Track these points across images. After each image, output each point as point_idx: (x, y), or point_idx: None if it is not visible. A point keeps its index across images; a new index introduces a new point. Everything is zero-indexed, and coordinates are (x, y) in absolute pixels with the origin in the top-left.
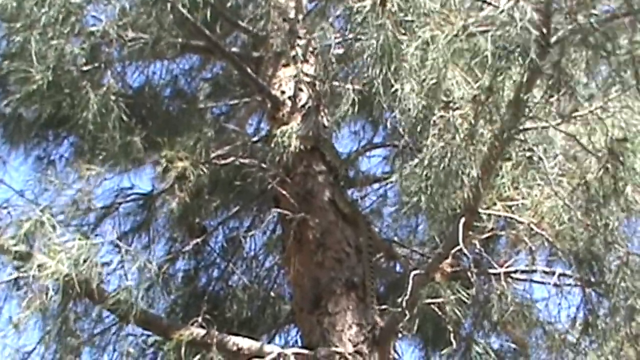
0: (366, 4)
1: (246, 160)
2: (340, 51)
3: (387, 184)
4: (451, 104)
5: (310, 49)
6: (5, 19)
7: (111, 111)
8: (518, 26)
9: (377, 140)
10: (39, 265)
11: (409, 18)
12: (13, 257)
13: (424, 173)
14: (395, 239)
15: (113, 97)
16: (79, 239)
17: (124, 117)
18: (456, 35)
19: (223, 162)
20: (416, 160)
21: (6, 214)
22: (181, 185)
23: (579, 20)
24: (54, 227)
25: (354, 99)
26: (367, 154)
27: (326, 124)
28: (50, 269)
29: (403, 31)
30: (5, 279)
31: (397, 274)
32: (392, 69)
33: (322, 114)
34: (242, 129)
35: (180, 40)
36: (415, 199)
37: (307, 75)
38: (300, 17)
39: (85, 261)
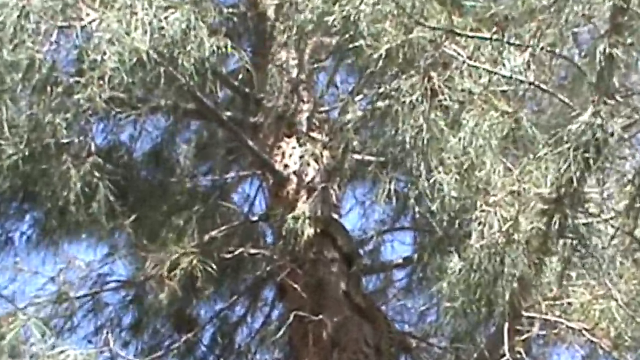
0: (413, 97)
1: (252, 250)
2: (352, 115)
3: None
4: (492, 195)
5: (317, 113)
6: None
7: (96, 190)
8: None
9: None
10: None
11: (449, 101)
12: None
13: (469, 276)
14: (406, 327)
15: (97, 174)
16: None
17: (110, 197)
18: (503, 124)
19: (227, 254)
20: (460, 263)
21: None
22: (170, 272)
23: None
24: (43, 334)
25: (388, 190)
26: (385, 236)
27: (336, 202)
28: None
29: (441, 114)
30: None
31: None
32: (435, 160)
33: (332, 190)
34: (228, 199)
35: (168, 102)
36: (457, 303)
37: (314, 140)
38: (303, 76)
39: None
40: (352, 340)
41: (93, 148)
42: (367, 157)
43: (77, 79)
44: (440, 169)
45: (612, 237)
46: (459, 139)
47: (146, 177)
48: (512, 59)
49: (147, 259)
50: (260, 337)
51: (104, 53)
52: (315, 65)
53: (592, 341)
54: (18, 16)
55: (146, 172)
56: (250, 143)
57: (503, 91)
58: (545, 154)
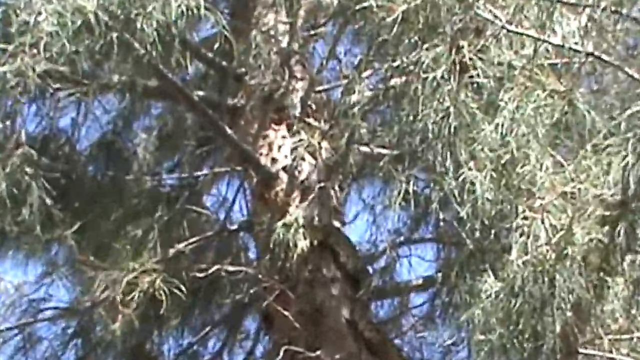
0: (438, 72)
1: (230, 268)
2: (359, 96)
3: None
4: (539, 198)
5: (314, 93)
6: None
7: (27, 191)
8: None
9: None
10: None
11: (483, 78)
12: None
13: (509, 302)
14: None
15: (30, 170)
16: None
17: (46, 200)
18: (553, 106)
19: (198, 273)
20: (497, 285)
21: None
22: (126, 296)
23: None
24: None
25: (405, 191)
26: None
27: (338, 206)
28: None
29: (473, 94)
30: None
31: None
32: (465, 153)
33: (333, 192)
34: (200, 203)
35: (123, 78)
36: (493, 336)
37: (309, 128)
38: (296, 45)
39: None
40: None
41: (24, 137)
42: (378, 150)
43: (2, 46)
44: (472, 164)
45: None
46: (496, 126)
47: (94, 175)
48: (565, 22)
49: (96, 280)
50: None
51: (39, 13)
52: (312, 32)
53: None
54: None
55: (94, 168)
56: (229, 131)
57: (553, 65)
58: (608, 145)
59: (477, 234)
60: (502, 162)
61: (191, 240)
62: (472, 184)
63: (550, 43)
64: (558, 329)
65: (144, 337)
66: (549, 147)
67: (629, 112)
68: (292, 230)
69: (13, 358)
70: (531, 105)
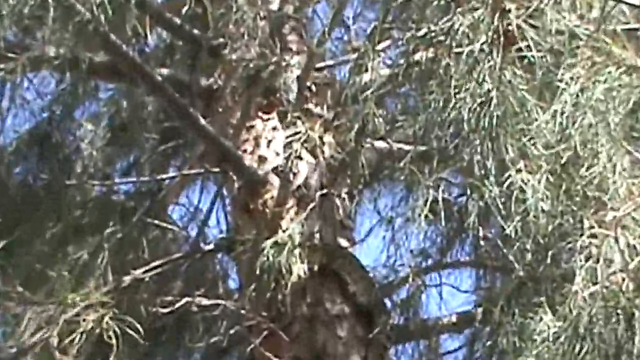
0: (476, 44)
1: (204, 301)
2: (373, 75)
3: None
4: (611, 210)
5: (315, 71)
6: None
7: None
8: None
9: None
10: None
11: (536, 52)
12: None
13: (572, 346)
14: None
15: None
16: None
17: None
18: (629, 88)
19: (162, 308)
20: (556, 325)
21: None
22: (66, 338)
23: None
24: None
25: (433, 200)
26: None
27: (346, 220)
28: None
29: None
30: None
31: None
32: (512, 151)
33: (340, 201)
34: (163, 215)
35: (63, 51)
36: None
37: (308, 117)
38: (291, 8)
39: None
40: None
41: None
42: (398, 146)
43: None
44: (522, 164)
45: None
46: (553, 115)
47: (24, 178)
48: None
49: (25, 318)
50: None
51: None
52: None
53: None
54: None
55: (23, 169)
56: (203, 122)
57: (629, 30)
58: None
59: (529, 256)
60: (562, 161)
61: (153, 265)
62: (522, 190)
63: (626, 3)
64: None
65: None
66: (624, 141)
67: None
68: (285, 251)
69: None
70: (600, 87)
